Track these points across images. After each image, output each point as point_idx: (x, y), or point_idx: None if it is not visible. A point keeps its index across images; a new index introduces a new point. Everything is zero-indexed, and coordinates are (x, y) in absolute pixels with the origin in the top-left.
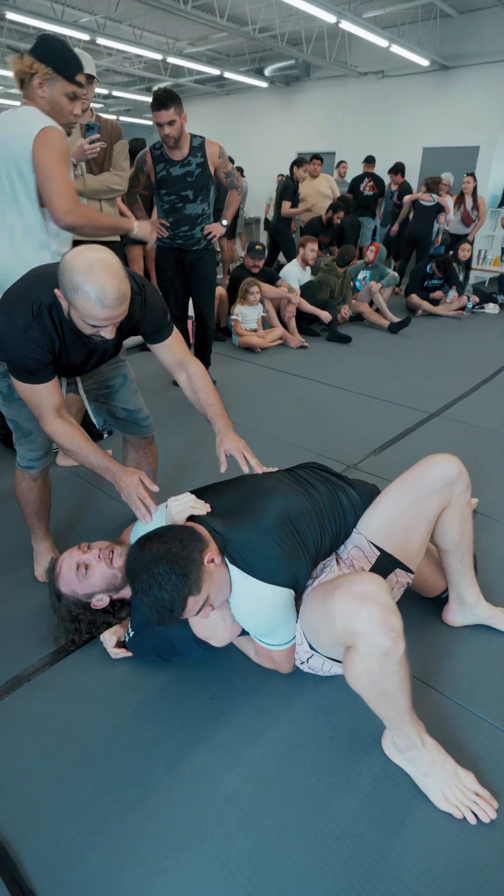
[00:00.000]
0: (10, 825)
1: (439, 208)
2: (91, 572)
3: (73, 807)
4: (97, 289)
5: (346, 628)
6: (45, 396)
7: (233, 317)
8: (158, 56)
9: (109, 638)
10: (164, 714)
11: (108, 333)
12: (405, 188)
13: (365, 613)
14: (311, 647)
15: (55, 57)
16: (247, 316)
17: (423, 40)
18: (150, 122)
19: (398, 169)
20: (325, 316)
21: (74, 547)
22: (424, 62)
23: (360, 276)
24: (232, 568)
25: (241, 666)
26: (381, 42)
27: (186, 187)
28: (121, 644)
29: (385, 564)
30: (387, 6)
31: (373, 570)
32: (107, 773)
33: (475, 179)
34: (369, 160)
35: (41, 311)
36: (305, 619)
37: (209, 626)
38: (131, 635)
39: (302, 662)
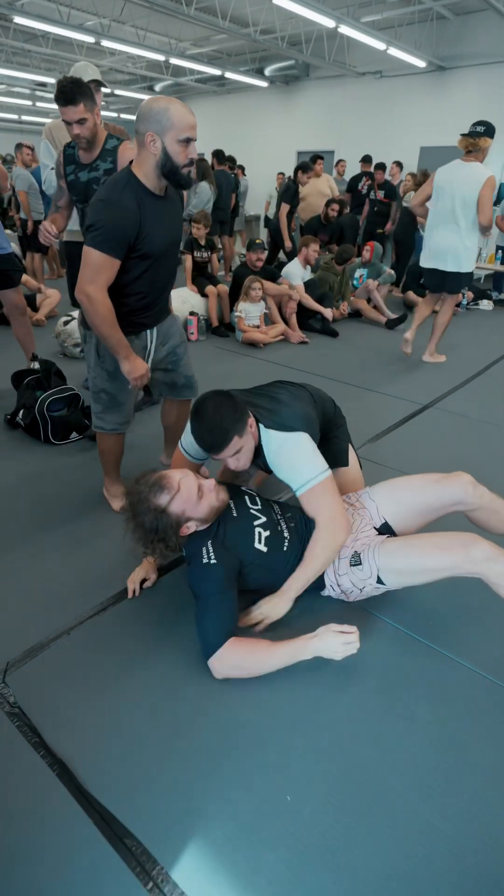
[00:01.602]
0: (72, 750)
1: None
2: (203, 500)
3: (129, 741)
4: (177, 104)
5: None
6: (108, 270)
7: (236, 313)
8: (161, 57)
9: (140, 573)
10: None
11: (194, 151)
12: (387, 187)
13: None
14: (379, 580)
15: None
16: (250, 312)
17: (420, 42)
18: None
19: (381, 167)
20: (328, 313)
21: (180, 470)
22: (421, 63)
23: (358, 274)
24: (262, 429)
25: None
26: (379, 45)
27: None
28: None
29: (383, 531)
30: (384, 11)
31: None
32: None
33: None
34: (366, 159)
35: (124, 190)
36: (388, 560)
37: None
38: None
39: (360, 589)
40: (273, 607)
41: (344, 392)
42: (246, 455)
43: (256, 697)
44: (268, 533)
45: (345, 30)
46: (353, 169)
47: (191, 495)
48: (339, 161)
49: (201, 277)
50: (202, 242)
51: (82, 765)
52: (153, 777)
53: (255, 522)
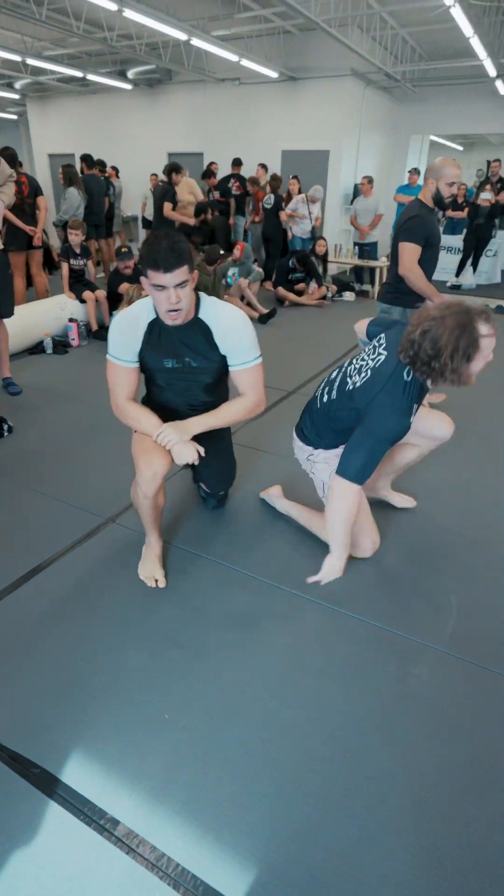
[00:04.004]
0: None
1: (279, 207)
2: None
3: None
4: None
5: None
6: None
7: None
8: (17, 57)
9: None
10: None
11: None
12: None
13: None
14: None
15: None
16: None
17: (270, 54)
18: (10, 117)
19: (237, 163)
20: None
21: None
22: (273, 74)
23: (230, 272)
24: (212, 301)
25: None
26: (232, 56)
27: None
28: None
29: None
30: (232, 27)
31: None
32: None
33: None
34: (237, 162)
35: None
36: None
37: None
38: None
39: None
40: (176, 431)
41: None
42: (186, 297)
43: (139, 638)
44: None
45: (197, 42)
46: (224, 170)
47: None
48: (212, 163)
49: (78, 284)
50: (77, 250)
51: None
52: (49, 703)
53: None
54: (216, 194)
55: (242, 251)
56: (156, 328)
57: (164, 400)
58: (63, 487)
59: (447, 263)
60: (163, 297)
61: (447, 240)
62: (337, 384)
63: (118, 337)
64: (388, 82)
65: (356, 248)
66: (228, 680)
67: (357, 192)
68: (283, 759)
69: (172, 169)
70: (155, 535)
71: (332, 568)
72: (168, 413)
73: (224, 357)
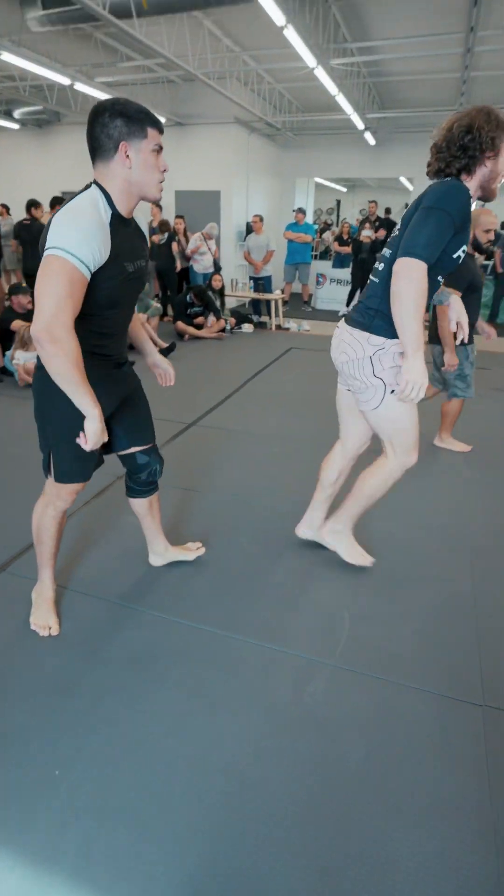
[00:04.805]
0: None
1: (171, 240)
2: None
3: None
4: None
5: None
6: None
7: (14, 361)
8: None
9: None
10: None
11: None
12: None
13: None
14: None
15: None
16: (29, 360)
17: (157, 101)
18: None
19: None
20: None
21: None
22: (161, 119)
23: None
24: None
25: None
26: None
27: None
28: None
29: None
30: (116, 74)
31: None
32: None
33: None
34: None
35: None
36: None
37: None
38: None
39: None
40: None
41: None
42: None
43: (28, 694)
44: None
45: (80, 87)
46: None
47: None
48: None
49: None
50: None
51: None
52: None
53: None
54: None
55: None
56: (117, 225)
57: (106, 327)
58: None
59: (338, 294)
60: (161, 161)
61: (337, 273)
62: (382, 259)
63: (87, 234)
64: (270, 130)
65: (252, 282)
66: (124, 724)
67: (249, 229)
68: (180, 798)
69: (31, 205)
70: (49, 574)
71: (413, 371)
72: (105, 346)
73: None
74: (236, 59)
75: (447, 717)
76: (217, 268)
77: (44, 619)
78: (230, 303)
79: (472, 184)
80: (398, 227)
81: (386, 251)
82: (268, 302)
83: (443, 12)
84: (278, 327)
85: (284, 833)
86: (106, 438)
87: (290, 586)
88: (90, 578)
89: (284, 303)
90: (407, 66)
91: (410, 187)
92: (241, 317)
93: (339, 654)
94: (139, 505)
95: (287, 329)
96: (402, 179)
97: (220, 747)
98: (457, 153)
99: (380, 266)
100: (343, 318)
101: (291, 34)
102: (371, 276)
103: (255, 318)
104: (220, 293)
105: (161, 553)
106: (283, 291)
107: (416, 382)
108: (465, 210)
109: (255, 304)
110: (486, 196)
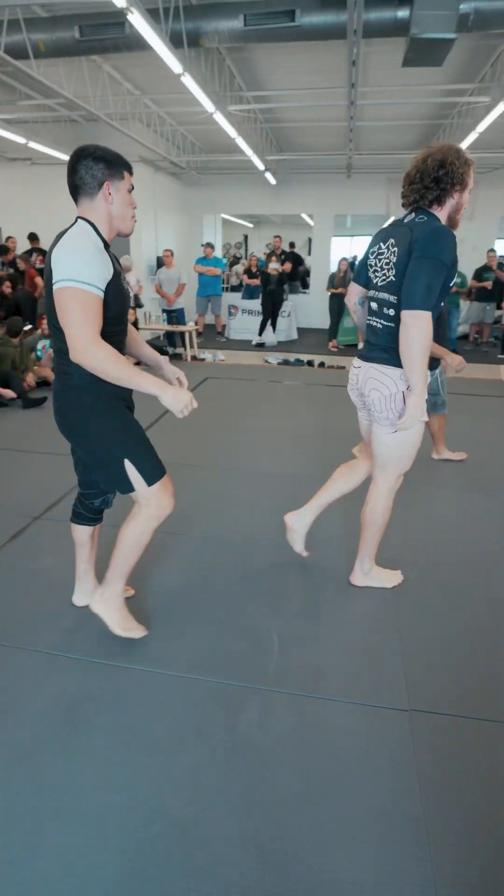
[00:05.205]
0: None
1: None
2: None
3: None
4: None
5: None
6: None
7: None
8: None
9: None
10: None
11: None
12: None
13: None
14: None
15: None
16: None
17: (60, 139)
18: None
19: (34, 238)
20: (7, 394)
21: None
22: (64, 157)
23: (40, 344)
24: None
25: None
26: (19, 139)
27: None
28: None
29: None
30: (17, 112)
31: None
32: None
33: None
34: (33, 237)
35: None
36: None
37: None
38: None
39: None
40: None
41: (43, 460)
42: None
43: None
44: None
45: None
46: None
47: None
48: (9, 238)
49: None
50: None
51: None
52: None
53: None
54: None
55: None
56: (106, 250)
57: (115, 344)
58: None
59: (250, 324)
60: (132, 199)
61: (247, 304)
62: (376, 293)
63: (89, 257)
64: (175, 169)
65: (165, 314)
66: (49, 781)
67: (160, 263)
68: (118, 852)
69: None
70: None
71: (415, 407)
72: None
73: None
74: (138, 102)
75: (376, 725)
76: (138, 304)
77: (133, 622)
78: (144, 336)
79: (442, 214)
80: (389, 262)
81: (385, 295)
82: (182, 334)
83: (326, 69)
84: (194, 358)
85: (227, 870)
86: (196, 404)
87: (219, 615)
88: (12, 629)
89: (199, 334)
90: (300, 115)
91: (311, 223)
92: (155, 349)
93: (269, 678)
94: (83, 532)
95: (203, 360)
96: (304, 216)
97: (157, 790)
98: (430, 184)
99: (390, 311)
100: (359, 357)
101: (189, 81)
102: (377, 319)
103: (170, 349)
104: (134, 325)
105: (88, 592)
106: (196, 323)
107: (416, 416)
108: (453, 252)
109: (170, 336)
110: (451, 226)
